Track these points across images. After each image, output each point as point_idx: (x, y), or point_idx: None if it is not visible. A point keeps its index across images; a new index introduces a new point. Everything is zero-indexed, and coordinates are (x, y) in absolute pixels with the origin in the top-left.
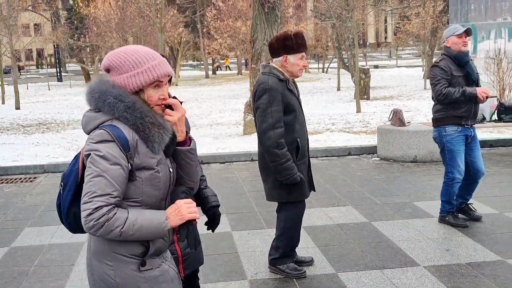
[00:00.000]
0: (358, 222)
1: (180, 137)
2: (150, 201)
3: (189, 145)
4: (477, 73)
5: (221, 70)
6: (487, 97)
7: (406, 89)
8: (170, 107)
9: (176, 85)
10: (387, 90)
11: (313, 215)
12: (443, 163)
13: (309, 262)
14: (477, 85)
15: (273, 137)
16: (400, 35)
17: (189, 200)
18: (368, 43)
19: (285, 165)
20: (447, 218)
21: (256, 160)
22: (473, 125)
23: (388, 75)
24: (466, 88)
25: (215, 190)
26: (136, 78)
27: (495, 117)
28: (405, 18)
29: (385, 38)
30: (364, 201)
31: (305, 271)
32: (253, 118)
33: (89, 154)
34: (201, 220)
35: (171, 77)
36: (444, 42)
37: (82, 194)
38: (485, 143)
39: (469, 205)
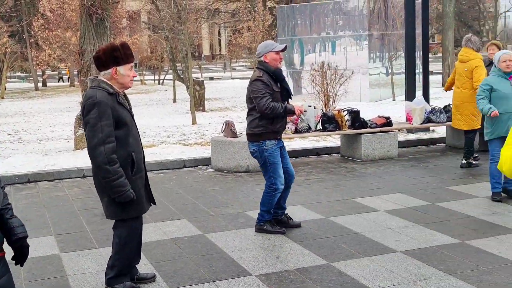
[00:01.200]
0: (192, 235)
1: None
2: None
3: None
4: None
5: (63, 81)
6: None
7: (240, 100)
8: None
9: (2, 98)
10: (222, 102)
11: (147, 231)
12: (264, 176)
13: (151, 279)
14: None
15: (104, 153)
16: (232, 48)
17: None
18: (203, 55)
19: (117, 182)
20: (265, 227)
21: (88, 176)
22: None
23: (223, 86)
24: (287, 106)
25: (42, 210)
26: None
27: (319, 126)
28: (236, 32)
29: (219, 50)
30: (199, 213)
31: None
32: (84, 132)
33: None
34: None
35: None
36: (261, 57)
37: None
38: (311, 152)
39: (286, 214)
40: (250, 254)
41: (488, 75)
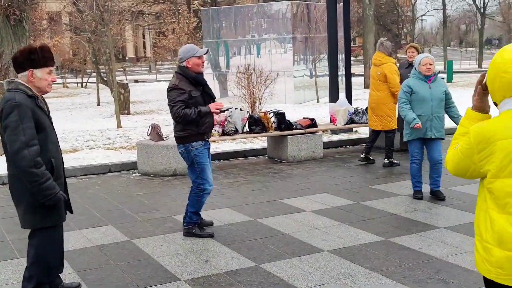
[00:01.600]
0: (118, 242)
1: None
2: None
3: None
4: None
5: None
6: (220, 111)
7: (165, 103)
8: None
9: None
10: (148, 105)
11: (71, 238)
12: (192, 177)
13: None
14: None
15: (28, 156)
16: (157, 50)
17: None
18: (127, 58)
19: (46, 185)
20: (194, 230)
21: (8, 184)
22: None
23: (149, 89)
24: (200, 108)
25: None
26: None
27: (246, 128)
28: (161, 34)
29: (144, 53)
30: (125, 219)
31: None
32: (1, 138)
33: None
34: None
35: None
36: (183, 62)
37: None
38: (238, 154)
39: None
40: (179, 258)
41: (406, 77)
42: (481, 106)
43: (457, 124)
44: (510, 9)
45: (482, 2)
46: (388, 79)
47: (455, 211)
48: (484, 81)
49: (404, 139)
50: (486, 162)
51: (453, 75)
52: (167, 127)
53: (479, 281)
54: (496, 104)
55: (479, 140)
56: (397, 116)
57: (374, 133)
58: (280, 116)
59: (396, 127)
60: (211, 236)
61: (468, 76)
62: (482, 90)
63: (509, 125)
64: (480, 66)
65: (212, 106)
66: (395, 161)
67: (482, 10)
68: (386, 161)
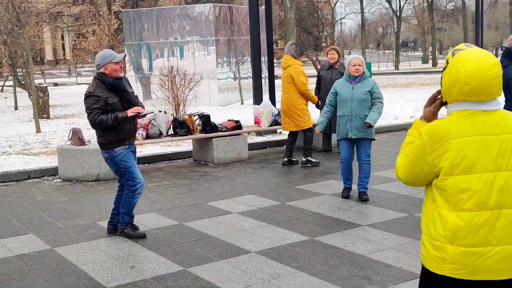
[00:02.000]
0: (40, 250)
1: None
2: None
3: None
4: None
5: None
6: (139, 115)
7: None
8: None
9: None
10: (68, 108)
11: None
12: (121, 180)
13: None
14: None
15: None
16: (77, 53)
17: None
18: (46, 60)
19: None
20: (126, 230)
21: None
22: (133, 141)
23: (68, 92)
24: (117, 113)
25: None
26: None
27: (171, 131)
28: (81, 36)
29: (64, 55)
30: (46, 226)
31: None
32: None
33: None
34: None
35: None
36: (101, 68)
37: None
38: (163, 157)
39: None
40: (104, 265)
41: (327, 78)
42: (432, 118)
43: (372, 114)
44: (424, 12)
45: (398, 6)
46: (294, 79)
47: (377, 209)
48: (440, 96)
49: (336, 138)
50: (439, 160)
51: (372, 77)
52: (89, 131)
53: (401, 276)
54: (445, 103)
55: (434, 139)
56: (312, 116)
57: (291, 135)
58: (205, 118)
59: (312, 125)
60: (143, 236)
61: (386, 77)
62: (441, 103)
63: (460, 124)
64: (397, 68)
65: (129, 111)
66: (313, 160)
67: (398, 14)
68: (303, 159)
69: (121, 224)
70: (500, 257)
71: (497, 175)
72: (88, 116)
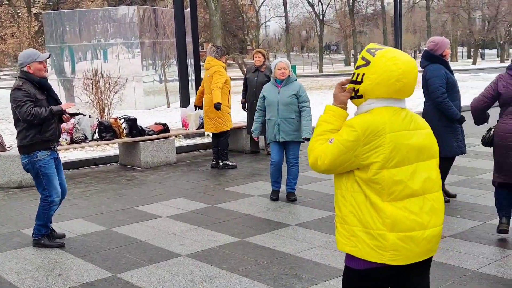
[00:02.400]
0: None
1: None
2: None
3: None
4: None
5: None
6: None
7: (6, 112)
8: None
9: None
10: None
11: None
12: (38, 189)
13: None
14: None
15: None
16: None
17: None
18: None
19: None
20: (43, 241)
21: None
22: (57, 148)
23: None
24: (52, 107)
25: None
26: None
27: (96, 135)
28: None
29: None
30: None
31: None
32: None
33: None
34: None
35: None
36: (24, 67)
37: None
38: (89, 162)
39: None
40: (30, 274)
41: (253, 81)
42: (346, 102)
43: (306, 127)
44: (346, 16)
45: (320, 9)
46: (212, 78)
47: (305, 209)
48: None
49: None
50: (371, 154)
51: (297, 79)
52: (10, 136)
53: (329, 274)
54: (359, 97)
55: (368, 132)
56: (231, 119)
57: (215, 137)
58: (131, 122)
59: (229, 129)
60: (61, 246)
61: (311, 80)
62: (350, 94)
63: (393, 119)
64: (321, 70)
65: (63, 105)
66: (230, 163)
67: (321, 17)
68: (221, 163)
69: (37, 235)
70: (428, 238)
71: (418, 165)
72: (19, 109)
